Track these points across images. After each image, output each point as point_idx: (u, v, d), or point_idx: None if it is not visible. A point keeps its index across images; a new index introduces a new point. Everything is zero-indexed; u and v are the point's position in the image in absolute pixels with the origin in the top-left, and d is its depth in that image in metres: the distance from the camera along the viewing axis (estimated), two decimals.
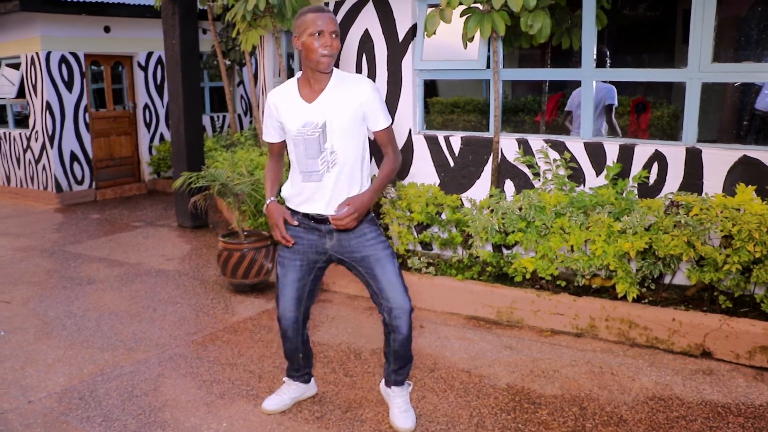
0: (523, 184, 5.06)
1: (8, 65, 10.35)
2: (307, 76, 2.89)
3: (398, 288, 2.97)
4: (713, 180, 4.36)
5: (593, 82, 4.84)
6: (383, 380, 3.30)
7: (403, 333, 2.99)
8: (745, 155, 4.25)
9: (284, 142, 3.05)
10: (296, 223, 2.96)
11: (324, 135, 2.85)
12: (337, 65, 5.70)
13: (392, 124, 2.99)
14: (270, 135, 3.05)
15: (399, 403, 3.20)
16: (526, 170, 5.04)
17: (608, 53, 5.64)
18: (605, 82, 6.13)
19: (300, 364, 3.33)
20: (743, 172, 4.26)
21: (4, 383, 3.79)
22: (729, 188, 4.28)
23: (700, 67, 4.36)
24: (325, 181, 2.90)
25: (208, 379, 3.79)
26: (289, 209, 3.04)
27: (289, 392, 3.40)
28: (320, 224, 2.98)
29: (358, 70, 5.72)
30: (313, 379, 3.50)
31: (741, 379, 3.62)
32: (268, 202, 3.00)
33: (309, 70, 2.86)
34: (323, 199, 2.92)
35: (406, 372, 3.19)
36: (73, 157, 9.90)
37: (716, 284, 4.06)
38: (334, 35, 2.78)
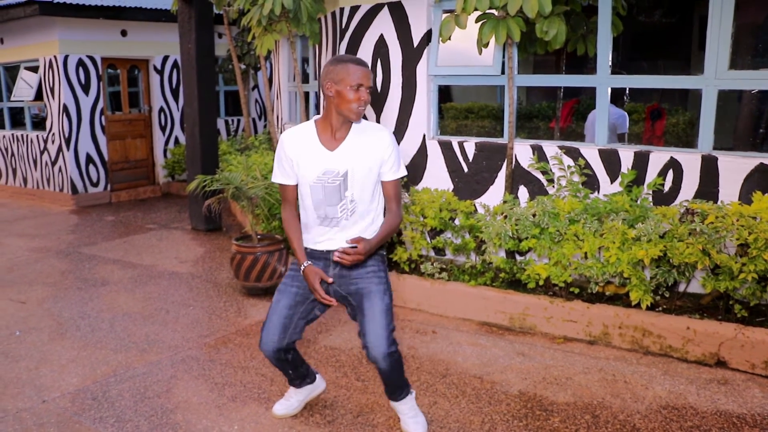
0: (537, 190, 5.05)
1: (27, 68, 10.46)
2: (329, 122, 2.86)
3: (380, 327, 2.87)
4: (729, 188, 4.33)
5: (608, 89, 4.82)
6: None
7: (383, 368, 2.92)
8: (761, 163, 4.22)
9: (296, 186, 2.99)
10: (331, 280, 2.94)
11: (345, 184, 2.86)
12: None
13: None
14: (285, 177, 2.96)
15: (406, 410, 3.19)
16: (540, 176, 5.02)
17: (619, 64, 5.62)
18: (619, 103, 6.12)
19: (291, 376, 3.30)
20: (760, 180, 4.22)
21: (19, 382, 3.83)
22: (745, 196, 4.24)
23: (717, 74, 4.33)
24: (343, 226, 2.91)
25: (220, 381, 3.80)
26: (306, 248, 3.02)
27: (296, 395, 3.40)
28: (330, 253, 2.97)
29: (373, 76, 5.74)
30: (318, 376, 3.47)
31: (757, 390, 3.58)
32: (304, 266, 2.92)
33: (335, 115, 2.83)
34: (341, 239, 2.92)
35: (400, 392, 3.13)
36: (89, 159, 9.98)
37: (732, 293, 4.02)
38: (369, 90, 2.80)
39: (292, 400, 3.40)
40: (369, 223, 2.95)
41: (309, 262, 2.93)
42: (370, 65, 5.75)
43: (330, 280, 2.93)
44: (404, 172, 3.01)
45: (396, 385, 3.07)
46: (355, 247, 2.80)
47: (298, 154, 2.88)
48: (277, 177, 2.99)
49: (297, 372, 3.29)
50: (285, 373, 3.27)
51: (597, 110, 4.87)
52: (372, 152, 2.87)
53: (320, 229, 2.94)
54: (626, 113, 6.20)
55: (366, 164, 2.86)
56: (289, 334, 3.03)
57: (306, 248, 3.01)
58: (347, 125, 2.88)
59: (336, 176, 2.85)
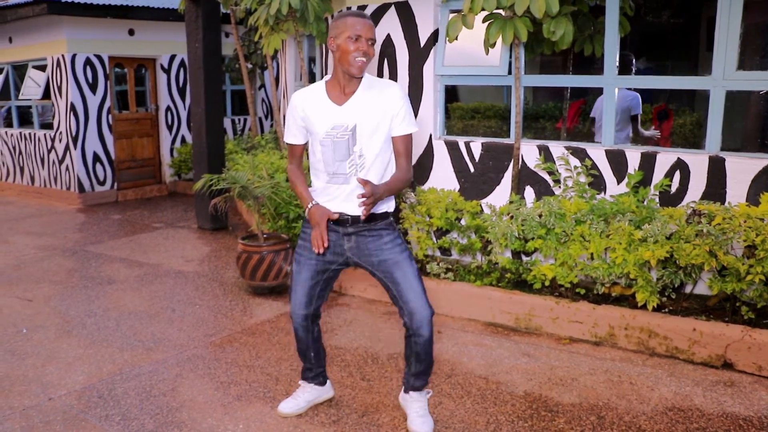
0: (543, 190, 5.04)
1: (35, 67, 10.50)
2: (338, 79, 2.90)
3: (418, 292, 2.95)
4: (737, 189, 4.31)
5: (615, 90, 4.80)
6: (403, 389, 3.29)
7: (424, 336, 2.98)
8: None
9: (305, 144, 3.06)
10: (336, 216, 2.90)
11: (353, 138, 2.87)
12: None
13: (414, 133, 2.98)
14: (294, 136, 3.03)
15: (416, 407, 3.19)
16: (547, 177, 5.01)
17: (634, 61, 5.60)
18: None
19: (312, 363, 3.33)
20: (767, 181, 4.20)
21: (26, 380, 3.84)
22: (753, 198, 4.22)
23: (725, 75, 4.31)
24: (352, 184, 2.91)
25: (226, 380, 3.80)
26: None
27: (304, 395, 3.41)
28: (340, 226, 2.99)
29: (380, 75, 5.73)
30: (329, 382, 3.50)
31: (763, 392, 3.57)
32: (310, 205, 2.93)
33: (341, 72, 2.86)
34: (349, 200, 2.93)
35: (426, 377, 3.17)
36: (96, 158, 10.01)
37: (738, 295, 4.01)
38: (370, 42, 2.80)
39: (300, 399, 3.40)
40: (378, 180, 2.93)
41: (315, 202, 2.93)
42: (377, 66, 5.74)
43: (335, 216, 2.89)
44: (415, 128, 2.97)
45: (427, 361, 3.09)
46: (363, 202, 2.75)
47: (307, 112, 2.92)
48: (288, 137, 3.05)
49: (318, 361, 3.33)
50: (306, 358, 3.31)
51: (604, 112, 4.86)
52: (381, 106, 2.87)
53: (331, 188, 2.95)
54: (638, 94, 6.16)
55: (374, 118, 2.86)
56: (315, 300, 3.16)
57: None
58: (356, 81, 2.89)
59: (344, 130, 2.86)
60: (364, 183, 2.69)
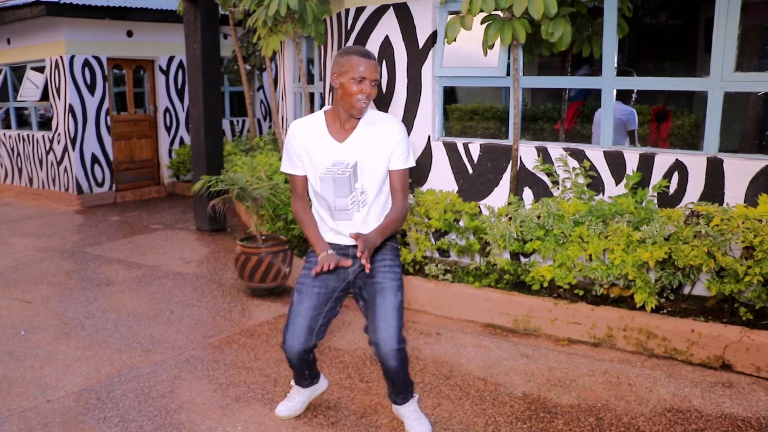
0: (541, 192, 5.04)
1: (33, 68, 10.50)
2: (338, 114, 2.85)
3: (391, 324, 2.86)
4: (735, 190, 4.31)
5: (614, 91, 4.81)
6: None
7: (391, 366, 2.91)
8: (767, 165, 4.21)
9: (305, 176, 2.96)
10: (350, 263, 2.80)
11: (354, 175, 2.85)
12: None
13: (409, 168, 2.95)
14: (294, 167, 2.94)
15: (409, 412, 3.18)
16: (545, 178, 5.02)
17: (635, 75, 5.61)
18: (627, 100, 6.10)
19: (305, 375, 3.30)
20: (766, 182, 4.21)
21: (24, 382, 3.84)
22: (751, 199, 4.23)
23: (723, 76, 4.32)
24: (355, 220, 2.90)
25: (224, 382, 3.80)
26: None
27: (298, 396, 3.40)
28: (346, 249, 2.98)
29: (380, 69, 5.73)
30: (321, 375, 3.46)
31: (762, 393, 3.57)
32: (323, 254, 2.81)
33: (341, 109, 2.82)
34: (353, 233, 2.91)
35: (407, 393, 3.14)
36: (94, 159, 10.01)
37: (737, 296, 4.01)
38: (374, 83, 2.76)
39: (295, 401, 3.39)
40: (380, 216, 2.92)
41: (328, 251, 2.82)
42: None
43: (349, 263, 2.77)
44: (412, 164, 2.95)
45: (402, 384, 3.07)
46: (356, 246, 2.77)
47: (307, 146, 2.86)
48: (286, 167, 2.97)
49: (312, 372, 3.30)
50: (301, 374, 3.26)
51: (602, 112, 4.87)
52: (381, 143, 2.84)
53: (332, 223, 2.93)
54: (634, 110, 6.18)
55: (375, 155, 2.84)
56: (315, 335, 3.02)
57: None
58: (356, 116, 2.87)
59: (346, 167, 2.83)
60: (356, 237, 2.69)
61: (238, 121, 12.00)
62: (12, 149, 11.22)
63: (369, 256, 2.69)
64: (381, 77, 2.90)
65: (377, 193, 2.89)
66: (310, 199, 3.04)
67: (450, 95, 10.32)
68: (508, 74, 5.14)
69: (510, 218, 4.66)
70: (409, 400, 3.17)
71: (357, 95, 2.72)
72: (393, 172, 2.90)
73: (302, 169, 2.92)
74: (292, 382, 3.41)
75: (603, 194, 4.79)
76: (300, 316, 2.98)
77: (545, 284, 4.50)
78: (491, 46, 4.71)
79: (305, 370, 3.25)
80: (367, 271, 2.66)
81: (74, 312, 5.04)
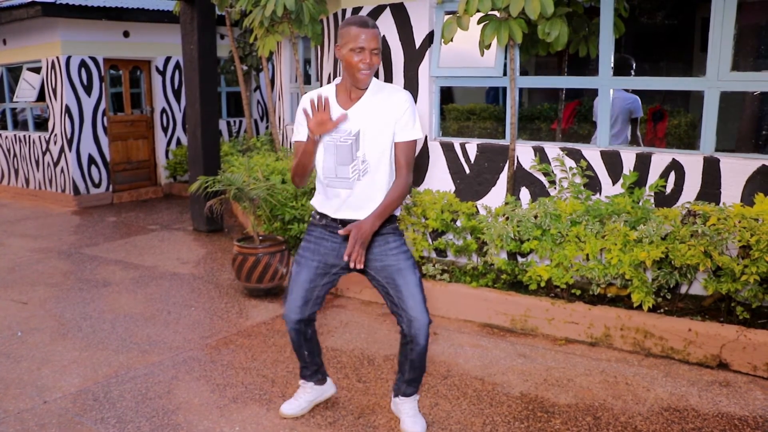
0: (538, 191, 5.05)
1: (29, 69, 10.48)
2: (345, 84, 2.92)
3: (419, 300, 2.94)
4: (731, 190, 4.32)
5: (610, 91, 4.82)
6: (393, 395, 3.28)
7: (420, 344, 2.98)
8: (764, 165, 4.21)
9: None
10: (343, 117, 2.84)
11: (357, 143, 2.87)
12: None
13: (419, 141, 2.94)
14: (301, 134, 2.97)
15: (407, 409, 3.19)
16: (542, 178, 5.02)
17: (633, 64, 5.60)
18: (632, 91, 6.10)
19: (306, 361, 3.32)
20: (762, 181, 4.22)
21: (21, 383, 3.83)
22: (747, 198, 4.24)
23: (719, 76, 4.33)
24: (356, 190, 2.91)
25: (222, 382, 3.80)
26: (319, 213, 3.06)
27: (305, 396, 3.41)
28: (345, 222, 2.98)
29: (375, 77, 5.73)
30: (329, 379, 3.50)
31: (759, 392, 3.58)
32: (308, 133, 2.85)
33: (347, 80, 2.88)
34: (354, 205, 2.93)
35: (418, 384, 3.17)
36: (91, 160, 9.99)
37: (733, 295, 4.02)
38: (375, 52, 2.79)
39: (301, 400, 3.40)
40: (381, 187, 2.91)
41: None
42: None
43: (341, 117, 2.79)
44: (419, 135, 2.93)
45: (421, 368, 3.09)
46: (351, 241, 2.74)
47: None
48: (296, 135, 3.01)
49: (312, 359, 3.31)
50: (300, 355, 3.29)
51: (599, 112, 4.87)
52: (386, 112, 2.86)
53: (333, 192, 2.95)
54: (638, 97, 6.17)
55: (378, 124, 2.86)
56: (311, 306, 3.10)
57: (321, 212, 3.03)
58: (364, 87, 2.89)
59: (348, 135, 2.87)
60: (347, 231, 2.71)
61: (235, 122, 11.99)
62: (8, 150, 11.20)
63: (363, 247, 2.70)
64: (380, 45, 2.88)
65: (378, 162, 2.89)
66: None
67: (447, 95, 10.33)
68: (504, 74, 5.14)
69: (507, 218, 4.66)
70: (416, 394, 3.20)
71: (358, 65, 2.77)
72: (397, 144, 2.90)
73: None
74: (300, 381, 3.42)
75: (600, 194, 4.80)
76: (297, 287, 3.07)
77: (542, 284, 4.50)
78: (488, 46, 4.71)
79: (304, 351, 3.26)
80: (359, 266, 2.71)
81: (71, 313, 5.04)
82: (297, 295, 3.07)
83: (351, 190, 2.91)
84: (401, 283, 2.94)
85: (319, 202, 3.06)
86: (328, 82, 6.74)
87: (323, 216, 3.04)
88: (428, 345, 3.04)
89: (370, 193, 2.91)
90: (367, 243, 2.76)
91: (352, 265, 2.73)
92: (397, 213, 3.05)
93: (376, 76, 5.69)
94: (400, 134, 2.89)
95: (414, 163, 3.22)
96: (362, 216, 2.88)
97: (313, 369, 3.37)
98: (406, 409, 3.19)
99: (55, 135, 9.93)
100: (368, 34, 2.76)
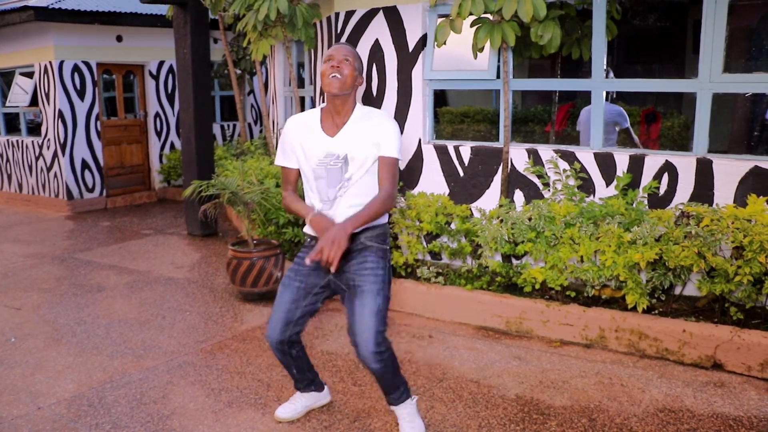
0: (532, 194, 5.06)
1: (22, 74, 10.45)
2: (329, 108, 2.94)
3: (368, 327, 2.84)
4: (724, 191, 4.34)
5: (603, 93, 4.83)
6: None
7: (373, 367, 2.91)
8: (756, 166, 4.23)
9: (298, 170, 3.05)
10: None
11: (345, 166, 2.91)
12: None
13: (399, 163, 2.94)
14: (288, 160, 3.03)
15: (404, 414, 3.18)
16: (536, 180, 5.03)
17: (612, 74, 5.64)
18: (613, 101, 6.13)
19: (296, 377, 3.32)
20: (755, 182, 4.23)
21: (14, 389, 3.81)
22: (740, 199, 4.25)
23: (711, 78, 4.34)
24: (340, 206, 2.92)
25: (217, 387, 3.79)
26: (308, 236, 3.07)
27: (302, 400, 3.41)
28: None
29: (369, 80, 5.74)
30: (326, 387, 3.50)
31: (753, 392, 3.59)
32: (311, 215, 2.87)
33: (330, 101, 2.91)
34: (337, 217, 2.92)
35: (397, 392, 3.12)
36: (85, 164, 9.96)
37: (727, 296, 4.03)
38: (346, 61, 2.83)
39: (297, 404, 3.40)
40: (363, 195, 2.91)
41: (316, 211, 2.89)
42: (365, 70, 5.75)
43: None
44: (398, 155, 2.91)
45: (390, 385, 3.06)
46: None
47: (302, 140, 2.96)
48: (280, 160, 3.07)
49: (302, 375, 3.30)
50: (289, 372, 3.29)
51: (592, 114, 4.88)
52: (370, 135, 2.90)
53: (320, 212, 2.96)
54: (621, 108, 6.21)
55: (364, 148, 2.89)
56: (292, 327, 3.07)
57: (311, 235, 3.04)
58: (348, 110, 2.93)
59: (337, 159, 2.90)
60: (318, 253, 2.63)
61: (228, 126, 11.97)
62: (1, 155, 11.15)
63: (333, 250, 2.60)
64: (359, 69, 2.92)
65: (362, 179, 2.92)
66: (301, 192, 3.07)
67: (440, 98, 10.34)
68: (498, 77, 5.15)
69: (501, 220, 4.67)
70: (404, 402, 3.16)
71: (327, 71, 2.84)
72: (380, 159, 2.92)
73: (296, 162, 3.02)
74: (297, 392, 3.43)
75: (594, 196, 4.81)
76: (279, 308, 3.06)
77: (537, 286, 4.51)
78: (481, 49, 4.73)
79: (292, 368, 3.25)
80: (334, 268, 2.64)
81: (65, 318, 5.02)
82: (278, 316, 3.05)
83: (333, 209, 2.93)
84: (357, 305, 2.90)
85: (307, 226, 3.04)
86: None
87: (313, 238, 3.04)
88: (391, 367, 2.96)
89: (351, 209, 2.90)
90: (341, 243, 2.63)
91: (325, 258, 2.60)
92: (381, 223, 3.01)
93: (369, 79, 5.70)
94: (384, 150, 2.90)
95: (404, 163, 3.22)
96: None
97: (305, 383, 3.36)
98: (403, 414, 3.19)
99: (49, 140, 9.90)
100: (337, 47, 2.88)
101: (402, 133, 5.62)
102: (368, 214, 2.80)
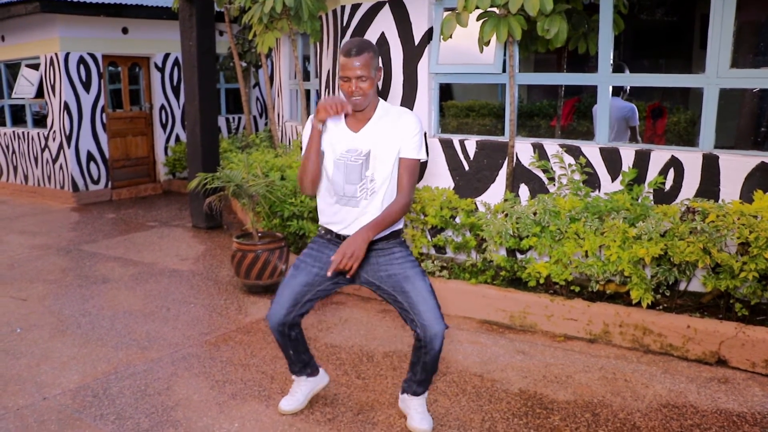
0: (537, 188, 5.05)
1: (28, 66, 10.46)
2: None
3: (431, 306, 2.91)
4: (730, 186, 4.32)
5: (609, 88, 4.81)
6: (401, 391, 3.28)
7: (435, 349, 2.95)
8: (763, 162, 4.22)
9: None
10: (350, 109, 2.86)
11: (367, 163, 2.91)
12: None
13: (424, 165, 2.94)
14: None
15: (416, 405, 3.20)
16: (541, 175, 5.02)
17: (627, 71, 5.60)
18: (627, 99, 6.11)
19: (292, 359, 3.32)
20: (761, 178, 4.22)
21: (20, 380, 3.83)
22: (746, 195, 4.24)
23: (718, 73, 4.32)
24: (362, 208, 2.94)
25: (221, 379, 3.80)
26: (325, 229, 3.08)
27: (300, 389, 3.41)
28: (340, 237, 3.03)
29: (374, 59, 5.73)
30: (321, 370, 3.49)
31: (757, 388, 3.58)
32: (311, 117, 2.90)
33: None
34: (358, 223, 2.94)
35: (429, 383, 3.17)
36: (90, 156, 9.98)
37: (732, 292, 4.02)
38: (362, 79, 2.82)
39: (298, 394, 3.41)
40: (382, 205, 2.95)
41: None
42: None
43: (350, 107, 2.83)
44: (423, 156, 2.97)
45: (433, 370, 3.09)
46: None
47: (329, 129, 2.97)
48: (305, 140, 3.03)
49: (298, 356, 3.31)
50: (285, 354, 3.29)
51: (599, 108, 4.87)
52: (395, 133, 2.90)
53: (340, 210, 2.98)
54: (634, 106, 6.19)
55: (388, 145, 2.90)
56: (298, 309, 3.09)
57: (327, 228, 3.06)
58: (371, 107, 2.94)
59: (359, 155, 2.91)
60: (338, 258, 2.71)
61: (234, 118, 11.98)
62: (7, 146, 11.19)
63: (354, 257, 2.70)
64: (376, 67, 2.92)
65: (384, 180, 2.93)
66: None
67: (446, 92, 10.32)
68: (504, 71, 5.14)
69: (506, 215, 4.66)
70: (426, 393, 3.21)
71: (347, 92, 2.85)
72: (402, 161, 2.93)
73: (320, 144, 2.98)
74: (293, 376, 3.42)
75: (599, 191, 4.80)
76: (288, 288, 3.06)
77: (541, 281, 4.50)
78: (487, 43, 4.71)
79: (289, 350, 3.26)
80: (350, 275, 2.77)
81: (70, 310, 5.04)
82: (286, 297, 3.06)
83: (357, 208, 2.95)
84: (410, 289, 2.94)
85: (324, 221, 3.09)
86: (327, 78, 6.74)
87: (329, 231, 3.07)
88: (441, 347, 2.99)
89: (374, 212, 2.93)
90: (359, 254, 2.73)
91: (342, 268, 2.71)
92: (399, 226, 3.06)
93: None
94: (404, 151, 2.92)
95: (417, 180, 3.23)
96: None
97: (300, 366, 3.36)
98: (415, 405, 3.20)
99: (54, 132, 9.92)
100: (352, 63, 2.80)
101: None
102: (387, 222, 2.86)
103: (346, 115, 2.96)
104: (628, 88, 6.12)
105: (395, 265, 2.98)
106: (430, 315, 2.90)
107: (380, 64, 2.97)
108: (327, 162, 2.98)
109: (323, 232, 3.11)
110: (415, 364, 3.10)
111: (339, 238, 3.02)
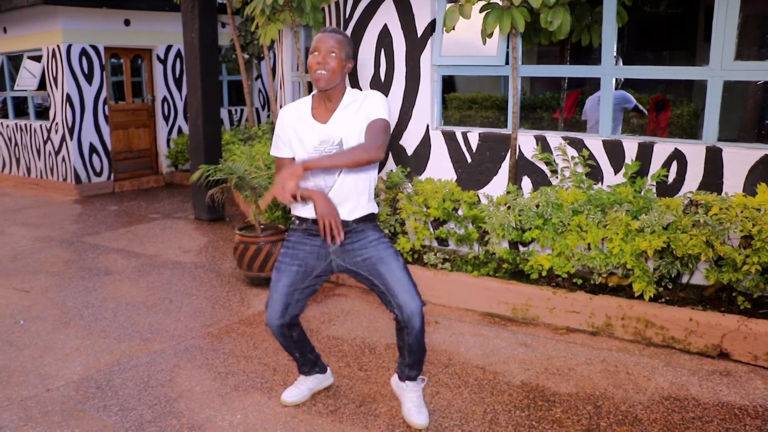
0: (540, 181, 5.04)
1: (30, 58, 10.45)
2: (320, 95, 2.93)
3: (405, 284, 2.92)
4: (734, 179, 4.31)
5: (613, 80, 4.80)
6: (396, 375, 3.30)
7: (415, 328, 2.95)
8: (766, 154, 4.20)
9: (292, 159, 3.01)
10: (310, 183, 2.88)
11: (341, 150, 2.88)
12: (355, 61, 5.70)
13: (389, 125, 2.87)
14: (281, 150, 3.02)
15: (412, 397, 3.20)
16: (544, 167, 5.01)
17: (620, 61, 5.61)
18: (618, 87, 6.10)
19: (298, 360, 3.34)
20: (764, 171, 4.21)
21: (23, 371, 3.84)
22: (750, 188, 4.23)
23: (723, 65, 4.30)
24: (334, 189, 2.92)
25: (223, 371, 3.81)
26: (298, 218, 3.06)
27: (306, 383, 3.43)
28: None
29: (377, 66, 5.72)
30: (329, 369, 3.53)
31: (759, 381, 3.58)
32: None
33: (320, 90, 2.89)
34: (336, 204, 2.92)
35: (420, 366, 3.18)
36: (92, 149, 9.99)
37: (735, 285, 4.01)
38: (331, 54, 2.79)
39: (302, 387, 3.43)
40: (356, 184, 2.93)
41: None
42: (373, 56, 5.73)
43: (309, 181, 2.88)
44: (387, 116, 2.85)
45: (420, 351, 3.08)
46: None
47: (296, 129, 2.95)
48: (274, 150, 3.05)
49: (304, 357, 3.33)
50: (293, 356, 3.31)
51: (601, 101, 4.86)
52: (362, 115, 2.88)
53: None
54: (624, 91, 6.18)
55: (358, 129, 2.88)
56: (291, 310, 3.09)
57: (299, 216, 3.04)
58: (338, 96, 2.91)
59: (332, 144, 2.89)
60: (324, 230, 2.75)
61: (236, 110, 11.97)
62: (10, 139, 11.19)
63: (327, 218, 2.73)
64: (348, 55, 2.89)
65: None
66: None
67: (449, 84, 10.30)
68: (507, 63, 5.12)
69: (509, 207, 4.66)
70: (418, 379, 3.21)
71: (313, 66, 2.81)
72: (370, 122, 2.84)
73: (290, 152, 2.99)
74: (302, 376, 3.45)
75: (602, 183, 4.79)
76: (277, 293, 3.06)
77: (544, 273, 4.50)
78: (490, 35, 4.69)
79: (294, 352, 3.28)
80: (338, 241, 2.81)
81: (73, 301, 5.05)
82: (277, 301, 3.06)
83: (329, 188, 2.93)
84: (384, 271, 2.94)
85: (297, 211, 3.05)
86: None
87: (302, 220, 3.04)
88: (425, 327, 3.01)
89: (346, 190, 2.92)
90: (330, 206, 2.75)
91: (338, 241, 2.77)
92: (373, 210, 3.04)
93: (378, 64, 5.67)
94: (371, 115, 2.84)
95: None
96: (340, 214, 2.88)
97: (310, 366, 3.39)
98: (412, 397, 3.20)
99: (57, 124, 9.92)
100: (323, 35, 2.81)
101: (410, 119, 5.61)
102: (347, 155, 2.66)
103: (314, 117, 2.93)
104: (621, 78, 6.09)
105: (369, 249, 2.97)
106: (405, 294, 2.90)
107: (353, 58, 2.94)
108: (303, 155, 2.93)
109: (297, 222, 3.07)
110: (402, 347, 3.11)
111: (314, 224, 2.98)
